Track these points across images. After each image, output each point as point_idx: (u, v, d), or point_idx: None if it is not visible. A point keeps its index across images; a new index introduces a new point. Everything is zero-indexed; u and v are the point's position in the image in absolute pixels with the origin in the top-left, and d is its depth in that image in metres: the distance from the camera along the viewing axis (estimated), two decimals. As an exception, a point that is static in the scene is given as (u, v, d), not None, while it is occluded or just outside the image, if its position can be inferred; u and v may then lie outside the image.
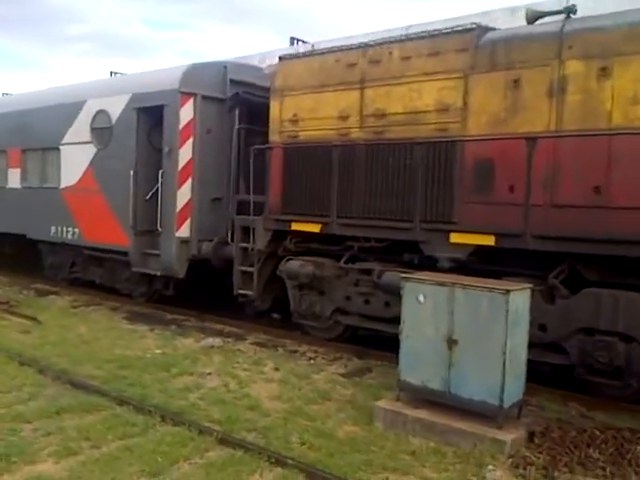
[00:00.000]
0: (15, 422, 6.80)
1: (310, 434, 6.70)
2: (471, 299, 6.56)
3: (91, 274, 13.82)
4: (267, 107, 11.00)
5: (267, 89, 11.46)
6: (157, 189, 11.86)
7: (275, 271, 10.69)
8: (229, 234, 11.32)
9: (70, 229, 13.48)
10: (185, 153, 11.35)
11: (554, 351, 7.86)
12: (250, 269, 10.79)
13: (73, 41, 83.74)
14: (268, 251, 10.63)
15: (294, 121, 10.26)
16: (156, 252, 11.76)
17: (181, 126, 11.27)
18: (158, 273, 11.69)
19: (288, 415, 7.25)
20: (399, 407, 6.99)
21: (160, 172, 11.54)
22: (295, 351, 10.05)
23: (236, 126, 11.49)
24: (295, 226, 10.17)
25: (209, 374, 8.69)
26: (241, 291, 10.95)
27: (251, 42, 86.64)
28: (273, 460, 5.99)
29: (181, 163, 11.33)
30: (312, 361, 9.54)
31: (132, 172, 11.96)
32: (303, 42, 17.44)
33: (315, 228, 9.90)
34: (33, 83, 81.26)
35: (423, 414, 6.79)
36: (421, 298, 6.89)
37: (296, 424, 6.99)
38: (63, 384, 8.02)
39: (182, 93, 11.27)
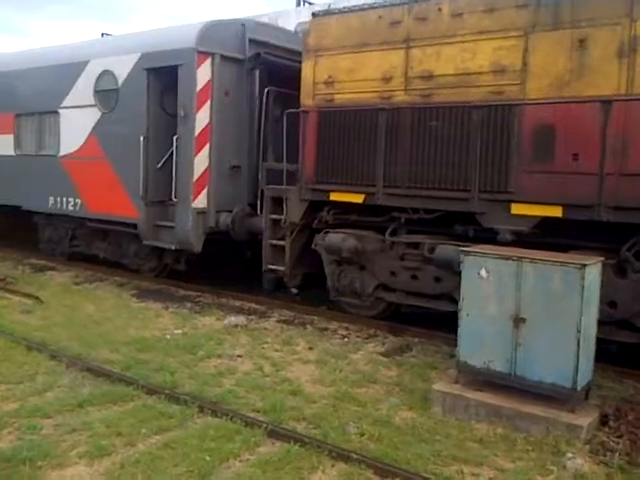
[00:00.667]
0: (33, 417, 6.14)
1: (366, 422, 6.15)
2: (541, 274, 6.00)
3: (94, 248, 12.99)
4: (290, 69, 10.33)
5: (289, 50, 10.90)
6: (169, 156, 11.08)
7: (306, 245, 10.07)
8: (258, 205, 10.58)
9: (71, 200, 12.61)
10: (202, 117, 10.53)
11: (622, 328, 7.33)
12: (281, 243, 10.10)
13: (47, 3, 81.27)
14: (302, 223, 9.94)
15: (329, 83, 9.50)
16: (170, 224, 10.99)
17: (198, 88, 10.42)
18: (173, 247, 10.93)
19: (336, 401, 6.69)
20: (459, 390, 6.46)
21: (174, 138, 10.71)
22: (325, 328, 9.44)
23: (257, 88, 10.79)
24: (335, 196, 9.46)
25: (239, 356, 8.09)
26: (271, 266, 10.27)
27: (237, 4, 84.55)
28: (335, 455, 5.44)
29: (198, 128, 10.50)
30: (346, 339, 8.94)
31: (142, 138, 11.12)
32: (309, 3, 16.52)
33: (358, 198, 9.20)
34: (5, 46, 79.01)
35: (487, 398, 6.25)
36: (483, 273, 6.33)
37: (347, 411, 6.42)
38: (80, 371, 7.35)
39: (199, 52, 10.40)
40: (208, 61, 10.50)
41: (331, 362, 7.89)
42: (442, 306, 8.74)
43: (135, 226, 11.49)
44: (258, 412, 6.34)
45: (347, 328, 9.44)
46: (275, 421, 6.09)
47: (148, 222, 11.27)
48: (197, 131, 10.51)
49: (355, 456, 5.35)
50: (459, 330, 6.53)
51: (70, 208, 12.68)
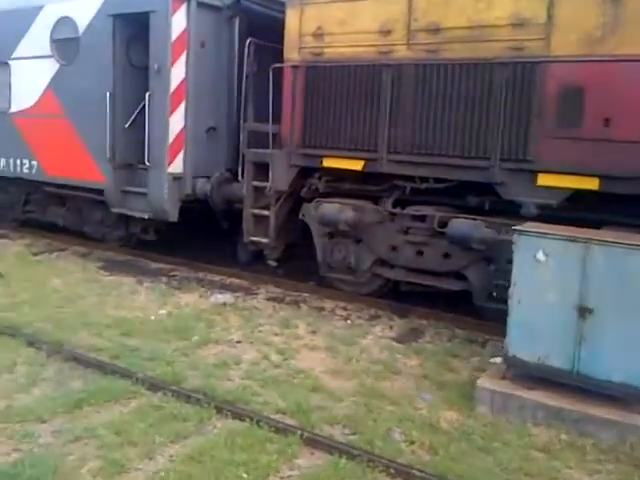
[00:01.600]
0: (26, 422, 5.22)
1: (410, 427, 5.44)
2: (615, 259, 5.31)
3: (50, 215, 11.72)
4: (270, 20, 9.43)
5: (273, 1, 9.91)
6: (138, 115, 9.98)
7: (290, 214, 9.24)
8: (239, 170, 9.53)
9: (26, 161, 11.26)
10: (178, 72, 9.38)
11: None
12: (265, 212, 9.18)
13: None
14: (289, 191, 9.06)
15: (318, 35, 8.52)
16: (142, 190, 9.89)
17: (173, 38, 9.27)
18: (145, 215, 9.85)
19: (364, 398, 5.95)
20: (510, 388, 5.77)
21: (147, 95, 9.54)
22: (321, 308, 8.63)
23: (237, 39, 9.69)
24: (328, 162, 8.55)
25: (239, 342, 7.25)
26: (254, 238, 9.34)
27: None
28: (392, 471, 4.72)
29: (173, 84, 9.34)
30: (349, 321, 8.18)
31: (108, 94, 9.90)
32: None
33: (356, 165, 8.33)
34: None
35: (545, 398, 5.58)
36: (541, 256, 5.62)
37: (382, 412, 5.70)
38: (65, 360, 6.40)
39: None
40: (183, 7, 9.31)
41: (342, 349, 7.14)
42: (450, 285, 8.11)
43: (101, 192, 10.33)
44: (283, 414, 5.57)
45: (345, 308, 8.67)
46: (306, 425, 5.34)
47: (116, 187, 10.13)
48: (172, 87, 9.36)
49: (417, 473, 4.65)
50: (508, 320, 5.83)
51: (25, 171, 11.33)
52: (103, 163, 10.15)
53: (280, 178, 8.94)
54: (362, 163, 8.28)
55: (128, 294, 8.84)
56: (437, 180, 7.88)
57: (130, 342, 7.02)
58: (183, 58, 9.43)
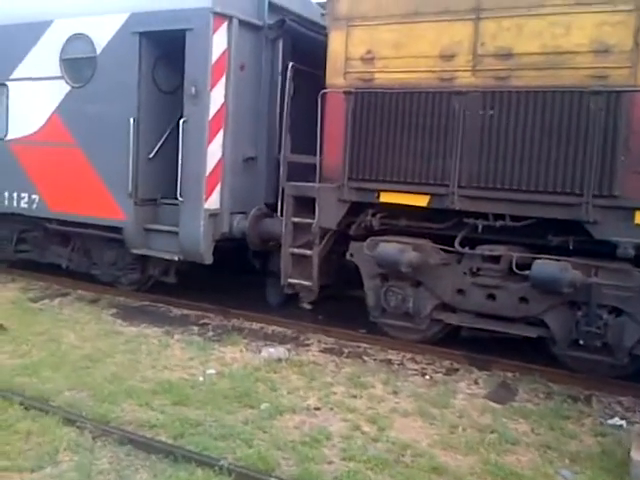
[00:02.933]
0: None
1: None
2: None
3: (53, 255, 10.42)
4: (312, 43, 8.73)
5: (309, 20, 9.26)
6: (162, 144, 8.99)
7: (328, 254, 8.37)
8: (279, 205, 8.56)
9: (25, 195, 9.99)
10: (217, 96, 8.39)
11: None
12: (307, 252, 8.21)
13: None
14: (337, 229, 8.16)
15: (368, 60, 7.78)
16: (171, 229, 8.77)
17: (213, 60, 8.27)
18: (176, 257, 8.71)
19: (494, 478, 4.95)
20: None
21: (181, 122, 8.48)
22: (389, 361, 7.63)
23: (280, 62, 8.80)
24: (387, 197, 7.70)
25: (317, 409, 6.18)
26: (292, 280, 8.35)
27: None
28: None
29: (212, 110, 8.35)
30: (427, 377, 7.20)
31: (132, 120, 8.79)
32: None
33: (420, 201, 7.50)
34: None
35: None
36: None
37: (529, 499, 4.73)
38: (118, 444, 5.22)
39: (216, 14, 8.23)
40: (224, 26, 8.35)
41: (436, 414, 6.16)
42: (525, 331, 7.31)
43: (118, 230, 9.17)
44: (415, 509, 4.55)
45: (414, 360, 7.69)
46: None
47: (138, 225, 8.98)
48: (211, 114, 8.36)
49: None
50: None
51: (23, 206, 10.05)
52: (122, 198, 9.00)
53: (328, 214, 8.08)
54: (427, 199, 7.51)
55: (160, 349, 7.68)
56: (512, 217, 7.14)
57: (187, 413, 5.88)
58: (223, 81, 8.47)
